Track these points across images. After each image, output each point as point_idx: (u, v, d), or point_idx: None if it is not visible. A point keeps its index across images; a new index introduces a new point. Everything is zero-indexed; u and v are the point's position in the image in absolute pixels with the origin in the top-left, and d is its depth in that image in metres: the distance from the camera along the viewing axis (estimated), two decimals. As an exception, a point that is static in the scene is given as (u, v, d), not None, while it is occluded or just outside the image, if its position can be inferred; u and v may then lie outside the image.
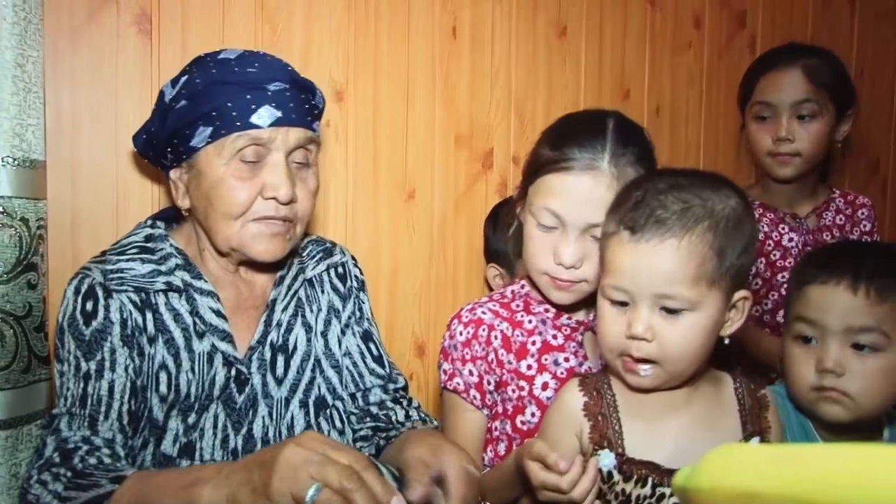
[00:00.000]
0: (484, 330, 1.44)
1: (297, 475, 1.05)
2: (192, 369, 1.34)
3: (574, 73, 2.10)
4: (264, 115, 1.32)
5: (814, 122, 1.89)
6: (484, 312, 1.46)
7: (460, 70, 1.97)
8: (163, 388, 1.32)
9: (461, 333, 1.44)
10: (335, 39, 1.84)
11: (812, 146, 1.90)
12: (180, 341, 1.35)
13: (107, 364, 1.29)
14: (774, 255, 1.96)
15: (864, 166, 2.53)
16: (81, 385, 1.28)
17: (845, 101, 1.92)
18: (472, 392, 1.44)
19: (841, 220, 2.01)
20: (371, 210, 1.90)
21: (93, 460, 1.21)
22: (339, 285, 1.54)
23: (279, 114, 1.33)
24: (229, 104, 1.32)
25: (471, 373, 1.43)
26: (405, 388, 1.54)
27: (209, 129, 1.33)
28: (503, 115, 2.02)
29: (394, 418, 1.48)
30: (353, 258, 1.60)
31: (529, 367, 1.42)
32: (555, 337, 1.45)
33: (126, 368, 1.29)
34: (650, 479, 1.14)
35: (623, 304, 1.15)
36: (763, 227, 1.97)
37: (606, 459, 1.16)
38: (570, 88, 2.10)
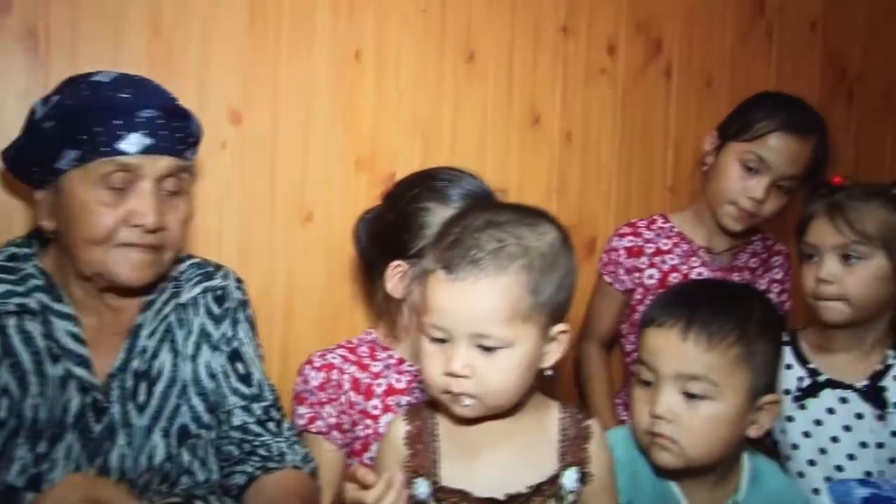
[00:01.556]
0: (335, 374, 1.53)
1: None
2: (42, 394, 1.33)
3: (481, 98, 2.10)
4: (133, 142, 1.32)
5: (788, 195, 1.89)
6: (334, 357, 1.56)
7: (364, 93, 1.96)
8: (1, 413, 1.29)
9: (315, 378, 1.53)
10: (233, 60, 1.82)
11: (772, 213, 1.91)
12: (29, 365, 1.33)
13: None
14: (678, 288, 1.96)
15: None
16: None
17: (819, 177, 1.88)
18: (335, 433, 1.51)
19: (755, 263, 2.02)
20: (267, 233, 1.88)
21: None
22: (215, 308, 1.52)
23: (149, 141, 1.34)
24: (98, 129, 1.31)
25: (329, 414, 1.51)
26: (275, 405, 1.52)
27: (76, 153, 1.32)
28: (407, 139, 2.01)
29: (274, 449, 1.46)
30: (239, 281, 1.58)
31: (375, 406, 1.51)
32: (398, 381, 1.51)
33: None
34: None
35: (442, 341, 1.17)
36: (674, 258, 1.97)
37: (421, 488, 1.20)
38: (478, 113, 2.10)
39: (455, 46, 2.06)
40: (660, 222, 2.02)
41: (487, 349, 1.15)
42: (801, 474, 1.67)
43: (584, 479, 1.23)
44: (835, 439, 1.64)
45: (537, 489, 1.20)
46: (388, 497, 1.12)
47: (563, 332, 1.21)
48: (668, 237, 1.99)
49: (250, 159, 1.86)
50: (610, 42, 2.26)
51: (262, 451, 1.44)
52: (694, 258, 1.97)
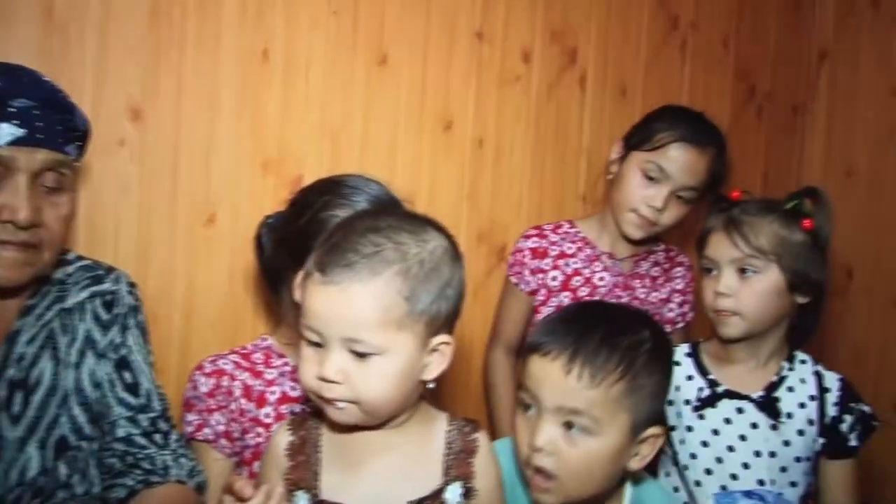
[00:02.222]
0: (226, 380, 1.49)
1: None
2: None
3: (394, 102, 2.08)
4: (3, 133, 1.26)
5: (688, 205, 1.93)
6: (225, 363, 1.52)
7: (271, 94, 1.92)
8: None
9: (204, 384, 1.49)
10: (134, 55, 1.77)
11: (673, 223, 1.95)
12: None
13: None
14: (582, 292, 1.98)
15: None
16: None
17: (717, 188, 1.93)
18: (223, 441, 1.46)
19: (657, 272, 2.05)
20: (167, 234, 1.83)
21: None
22: (103, 313, 1.46)
23: (21, 133, 1.27)
24: None
25: (218, 422, 1.47)
26: (164, 416, 1.47)
27: None
28: (316, 142, 1.98)
29: (158, 462, 1.41)
30: (132, 285, 1.53)
31: (268, 415, 1.47)
32: (293, 388, 1.47)
33: None
34: None
35: (318, 345, 1.15)
36: (578, 261, 1.99)
37: (301, 502, 1.17)
38: (389, 118, 2.08)
39: (367, 49, 2.03)
40: (566, 227, 2.05)
41: (360, 355, 1.12)
42: (698, 483, 1.69)
43: (468, 494, 1.20)
44: (731, 448, 1.67)
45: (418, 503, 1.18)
46: None
47: (445, 343, 1.18)
48: (573, 241, 2.02)
49: (150, 158, 1.80)
50: (525, 49, 2.26)
51: (145, 464, 1.40)
52: (597, 263, 2.00)
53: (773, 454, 1.67)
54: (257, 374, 1.52)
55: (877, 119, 2.68)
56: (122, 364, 1.45)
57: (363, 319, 1.11)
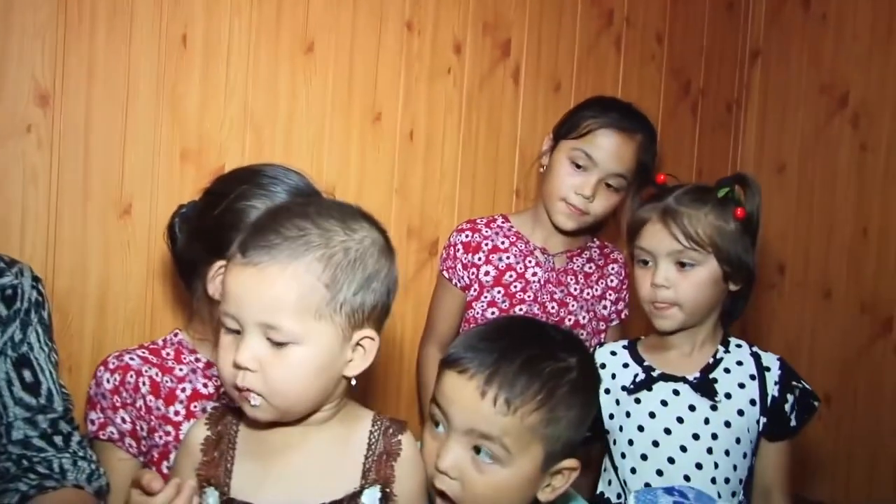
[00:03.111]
0: (132, 376, 1.42)
1: None
2: None
3: (320, 92, 2.02)
4: None
5: (618, 194, 1.89)
6: (132, 359, 1.44)
7: (190, 81, 1.85)
8: None
9: (108, 381, 1.42)
10: (40, 34, 1.68)
11: (603, 212, 1.92)
12: None
13: None
14: (515, 287, 1.94)
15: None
16: None
17: (647, 177, 1.89)
18: (128, 440, 1.39)
19: (591, 268, 2.02)
20: (79, 226, 1.74)
21: None
22: (2, 309, 1.36)
23: None
24: None
25: (123, 420, 1.39)
26: (65, 417, 1.38)
27: None
28: (237, 132, 1.91)
29: (55, 465, 1.32)
30: (36, 279, 1.43)
31: (177, 412, 1.40)
32: (205, 385, 1.40)
33: None
34: None
35: (236, 332, 1.09)
36: (510, 256, 1.96)
37: (211, 499, 1.11)
38: (315, 108, 2.01)
39: (292, 37, 1.97)
40: (499, 221, 2.01)
41: (277, 344, 1.07)
42: (633, 470, 1.65)
43: (386, 499, 1.13)
44: (668, 431, 1.63)
45: None
46: (177, 503, 1.03)
47: (368, 338, 1.13)
48: (506, 236, 1.98)
49: (60, 145, 1.72)
50: (456, 41, 2.22)
51: (40, 468, 1.30)
52: (530, 258, 1.96)
53: (714, 436, 1.64)
54: (167, 370, 1.44)
55: (806, 117, 2.71)
56: (22, 362, 1.36)
57: (280, 303, 1.06)
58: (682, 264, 1.64)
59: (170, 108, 1.83)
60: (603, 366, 1.71)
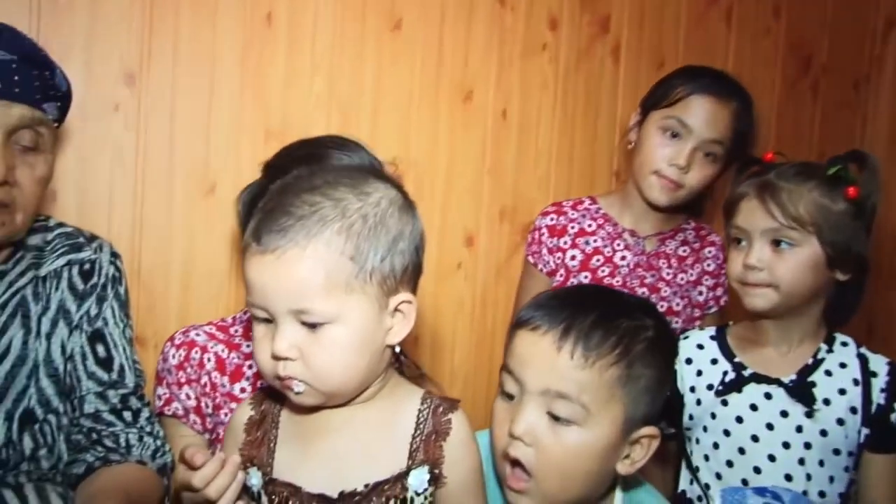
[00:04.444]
0: (197, 352, 1.40)
1: None
2: None
3: (408, 70, 1.97)
4: None
5: (714, 165, 1.79)
6: (198, 335, 1.43)
7: (274, 60, 1.84)
8: None
9: (173, 356, 1.41)
10: (127, 17, 1.71)
11: (700, 185, 1.80)
12: None
13: None
14: (602, 272, 1.84)
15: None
16: None
17: (745, 148, 1.79)
18: (192, 416, 1.38)
19: (685, 251, 1.89)
20: (164, 204, 1.76)
21: None
22: (80, 283, 1.39)
23: None
24: None
25: (188, 396, 1.39)
26: (136, 393, 1.39)
27: None
28: (323, 112, 1.89)
29: (122, 440, 1.33)
30: (115, 255, 1.45)
31: (243, 390, 1.38)
32: None
33: None
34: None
35: (268, 321, 1.04)
36: (598, 240, 1.86)
37: (254, 479, 1.08)
38: (403, 87, 1.97)
39: (379, 14, 1.93)
40: (586, 203, 1.92)
41: (313, 326, 1.02)
42: (718, 476, 1.52)
43: (436, 481, 1.08)
44: (755, 438, 1.50)
45: (375, 488, 1.06)
46: (218, 480, 1.00)
47: (405, 302, 1.07)
48: (594, 218, 1.88)
49: (146, 125, 1.74)
50: (552, 16, 2.13)
51: (108, 442, 1.32)
52: (618, 241, 1.85)
53: (808, 445, 1.49)
54: (233, 347, 1.42)
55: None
56: (96, 337, 1.37)
57: (307, 287, 1.00)
58: (777, 243, 1.49)
59: (254, 88, 1.82)
60: (689, 361, 1.58)
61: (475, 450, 1.12)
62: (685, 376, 1.57)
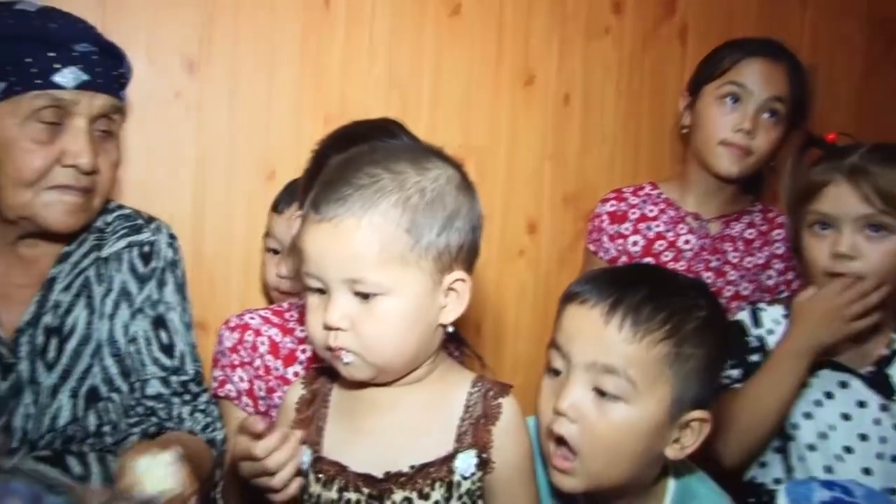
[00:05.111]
0: (250, 335, 1.41)
1: None
2: None
3: (467, 54, 1.95)
4: (69, 76, 1.23)
5: (779, 126, 1.73)
6: (252, 318, 1.43)
7: (333, 45, 1.85)
8: None
9: (228, 339, 1.42)
10: (188, 3, 1.73)
11: (768, 148, 1.74)
12: None
13: None
14: (666, 257, 1.79)
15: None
16: None
17: (804, 113, 1.76)
18: (245, 399, 1.40)
19: (752, 234, 1.82)
20: (224, 189, 1.78)
21: None
22: (140, 266, 1.41)
23: (86, 76, 1.25)
24: (28, 59, 1.22)
25: (241, 379, 1.40)
26: (196, 380, 1.41)
27: (2, 85, 1.22)
28: (382, 96, 1.89)
29: (175, 412, 1.36)
30: (172, 237, 1.46)
31: (296, 374, 1.38)
32: None
33: None
34: (336, 482, 1.04)
35: (322, 291, 1.03)
36: (660, 225, 1.81)
37: (304, 457, 1.05)
38: (463, 72, 1.95)
39: (438, -3, 1.92)
40: (647, 189, 1.87)
41: (365, 297, 1.01)
42: (801, 458, 1.45)
43: (484, 465, 1.04)
44: (832, 427, 1.42)
45: (421, 469, 1.03)
46: (279, 453, 0.98)
47: (460, 280, 1.05)
48: (655, 203, 1.83)
49: (206, 111, 1.77)
50: (615, 0, 2.08)
51: (161, 413, 1.35)
52: (681, 225, 1.79)
53: (883, 440, 1.41)
54: (288, 331, 1.42)
55: None
56: (159, 322, 1.40)
57: (362, 256, 0.99)
58: (875, 228, 1.41)
59: (313, 72, 1.83)
60: (771, 332, 1.50)
61: (525, 436, 1.09)
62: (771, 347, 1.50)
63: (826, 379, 1.45)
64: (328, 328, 1.02)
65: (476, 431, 1.05)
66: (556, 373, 1.13)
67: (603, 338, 1.07)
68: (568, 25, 2.04)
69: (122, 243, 1.40)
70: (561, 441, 1.10)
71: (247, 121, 1.79)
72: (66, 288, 1.34)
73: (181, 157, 1.75)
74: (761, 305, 1.54)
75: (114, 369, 1.35)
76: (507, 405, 1.07)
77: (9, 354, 1.27)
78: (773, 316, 1.52)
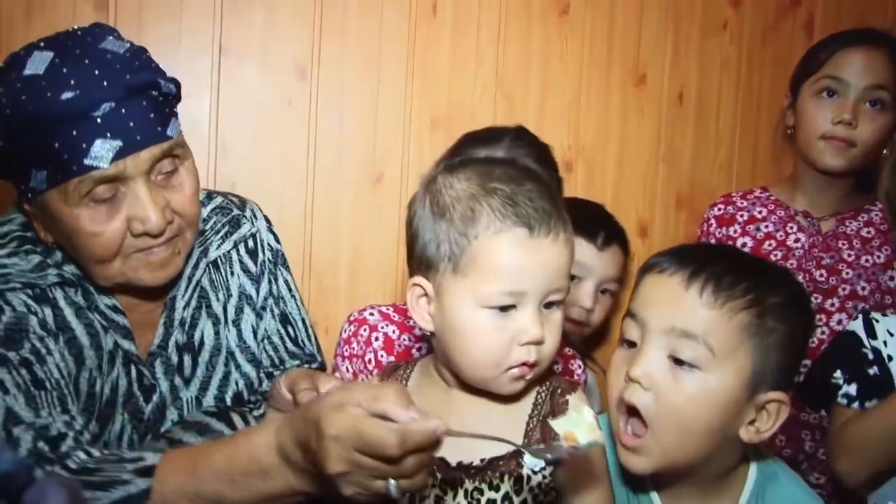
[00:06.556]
0: (365, 330, 1.45)
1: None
2: (100, 367, 1.22)
3: (576, 54, 1.93)
4: (101, 152, 1.10)
5: (884, 114, 1.66)
6: (371, 314, 1.48)
7: (439, 49, 1.86)
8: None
9: (345, 330, 1.48)
10: (299, 12, 1.79)
11: (874, 138, 1.67)
12: (84, 339, 1.21)
13: (41, 350, 1.15)
14: (775, 256, 1.72)
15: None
16: (24, 372, 1.12)
17: None
18: None
19: (870, 232, 1.72)
20: (333, 192, 1.83)
21: (94, 451, 1.09)
22: (250, 264, 1.39)
23: (119, 143, 1.11)
24: (56, 145, 1.09)
25: (347, 370, 1.46)
26: (323, 364, 1.46)
27: (43, 174, 1.12)
28: (489, 98, 1.89)
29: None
30: (267, 221, 1.44)
31: None
32: None
33: (61, 354, 1.17)
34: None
35: (506, 308, 1.01)
36: (769, 225, 1.75)
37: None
38: (572, 71, 1.93)
39: (545, -3, 1.90)
40: (757, 192, 1.82)
41: (548, 306, 1.02)
42: None
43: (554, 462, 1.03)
44: None
45: (491, 463, 1.03)
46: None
47: None
48: (764, 205, 1.78)
49: (317, 117, 1.81)
50: (734, -9, 2.01)
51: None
52: (791, 224, 1.73)
53: None
54: (406, 329, 1.44)
55: None
56: (285, 319, 1.42)
57: (568, 266, 1.03)
58: None
59: (420, 76, 1.85)
60: (886, 343, 1.42)
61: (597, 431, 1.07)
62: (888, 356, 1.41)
63: None
64: (529, 343, 1.02)
65: (544, 428, 1.04)
66: (631, 344, 1.10)
67: (682, 302, 1.05)
68: (682, 21, 1.98)
69: (228, 245, 1.36)
70: (632, 412, 1.07)
71: (355, 126, 1.83)
72: (186, 303, 1.32)
73: (292, 162, 1.80)
74: (875, 315, 1.45)
75: (253, 374, 1.37)
76: (575, 402, 1.06)
77: (149, 377, 1.27)
78: (888, 326, 1.43)
